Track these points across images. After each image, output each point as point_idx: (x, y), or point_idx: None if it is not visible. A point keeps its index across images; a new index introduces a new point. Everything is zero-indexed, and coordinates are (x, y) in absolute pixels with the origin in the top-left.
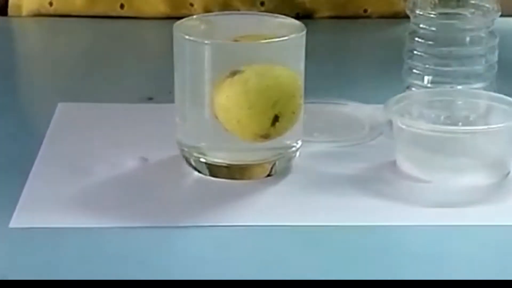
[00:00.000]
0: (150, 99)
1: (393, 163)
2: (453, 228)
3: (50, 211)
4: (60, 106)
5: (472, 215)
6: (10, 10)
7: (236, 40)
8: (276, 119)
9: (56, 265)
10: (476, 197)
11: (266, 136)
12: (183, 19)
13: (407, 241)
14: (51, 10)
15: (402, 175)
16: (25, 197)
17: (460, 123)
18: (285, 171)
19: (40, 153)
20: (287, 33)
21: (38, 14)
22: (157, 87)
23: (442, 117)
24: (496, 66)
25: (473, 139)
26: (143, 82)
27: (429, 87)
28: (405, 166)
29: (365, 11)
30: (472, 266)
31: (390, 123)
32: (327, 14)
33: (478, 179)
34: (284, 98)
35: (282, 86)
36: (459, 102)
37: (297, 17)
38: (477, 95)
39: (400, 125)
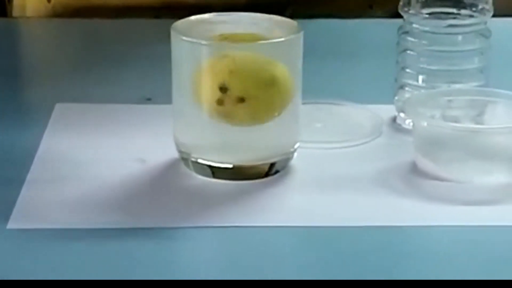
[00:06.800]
0: (148, 99)
1: (393, 163)
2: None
3: (48, 212)
4: (58, 106)
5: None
6: (14, 11)
7: (225, 38)
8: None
9: (54, 266)
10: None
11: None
12: (181, 20)
13: (412, 240)
14: (49, 6)
15: (408, 175)
16: (22, 198)
17: (483, 122)
18: (284, 172)
19: (37, 154)
20: (284, 33)
21: (39, 13)
22: (156, 87)
23: (461, 117)
24: (489, 66)
25: (497, 137)
26: (141, 82)
27: (422, 87)
28: (426, 165)
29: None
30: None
31: (389, 123)
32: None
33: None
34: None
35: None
36: (476, 101)
37: (290, 17)
38: (492, 93)
39: (424, 124)
